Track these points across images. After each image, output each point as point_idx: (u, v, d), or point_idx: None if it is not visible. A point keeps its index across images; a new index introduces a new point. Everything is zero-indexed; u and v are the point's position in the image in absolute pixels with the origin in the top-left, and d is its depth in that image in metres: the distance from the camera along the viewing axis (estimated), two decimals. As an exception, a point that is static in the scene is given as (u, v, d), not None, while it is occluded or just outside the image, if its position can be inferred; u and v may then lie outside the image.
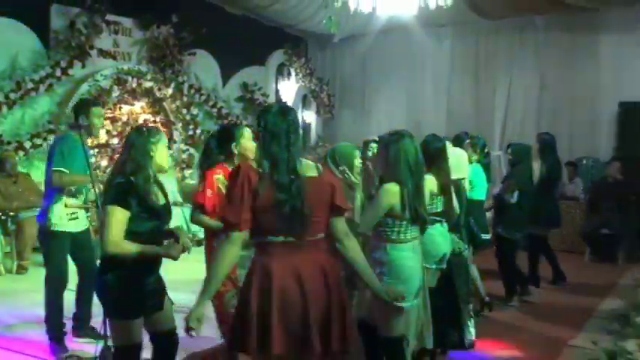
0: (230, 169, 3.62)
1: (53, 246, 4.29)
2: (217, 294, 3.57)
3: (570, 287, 6.61)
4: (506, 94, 10.37)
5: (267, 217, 2.51)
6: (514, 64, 10.27)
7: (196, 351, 4.06)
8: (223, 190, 3.46)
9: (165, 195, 3.21)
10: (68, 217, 4.21)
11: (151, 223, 3.02)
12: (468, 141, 5.76)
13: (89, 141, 5.39)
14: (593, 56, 9.57)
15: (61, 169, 4.12)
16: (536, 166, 6.32)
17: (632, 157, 8.32)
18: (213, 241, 3.66)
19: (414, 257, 3.45)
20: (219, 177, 3.67)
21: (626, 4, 8.96)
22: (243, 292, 2.60)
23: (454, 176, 4.72)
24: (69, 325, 4.40)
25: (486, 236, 5.54)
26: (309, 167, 2.67)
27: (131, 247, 2.91)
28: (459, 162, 4.98)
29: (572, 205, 8.44)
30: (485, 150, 5.86)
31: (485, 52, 10.59)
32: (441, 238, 4.29)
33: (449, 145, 5.20)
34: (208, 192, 3.64)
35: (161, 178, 3.29)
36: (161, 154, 3.10)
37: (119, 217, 2.88)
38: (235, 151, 3.77)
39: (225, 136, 3.86)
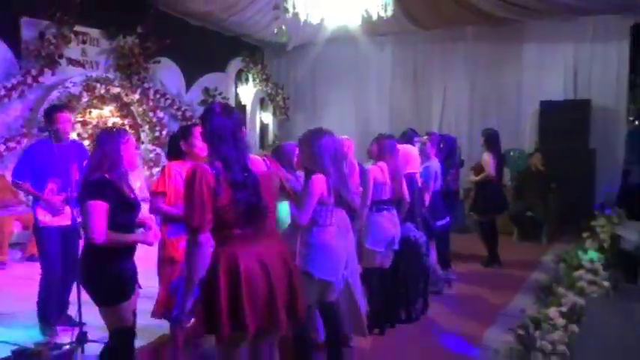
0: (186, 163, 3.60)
1: (42, 241, 4.24)
2: (165, 281, 3.57)
3: (501, 262, 6.79)
4: (442, 95, 10.55)
5: (228, 214, 2.47)
6: (447, 69, 10.46)
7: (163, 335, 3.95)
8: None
9: (132, 190, 3.19)
10: (50, 213, 4.17)
11: (126, 215, 3.02)
12: (425, 137, 5.76)
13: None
14: (517, 62, 9.86)
15: (17, 180, 4.23)
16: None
17: (551, 149, 8.58)
18: (167, 228, 3.64)
19: (338, 238, 3.53)
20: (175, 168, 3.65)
21: (545, 18, 9.25)
22: (209, 280, 2.49)
23: (407, 170, 4.80)
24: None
25: (441, 222, 5.59)
26: (258, 163, 2.67)
27: (116, 237, 2.91)
28: (410, 157, 5.04)
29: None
30: (441, 145, 5.90)
31: (422, 59, 10.74)
32: (389, 223, 4.39)
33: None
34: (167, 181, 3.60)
35: (132, 175, 3.27)
36: (130, 153, 3.08)
37: (99, 210, 2.86)
38: (184, 149, 3.67)
39: (180, 135, 3.79)
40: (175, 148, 3.75)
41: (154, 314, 3.66)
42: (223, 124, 2.54)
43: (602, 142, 9.01)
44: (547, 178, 8.17)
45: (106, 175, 2.95)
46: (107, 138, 3.06)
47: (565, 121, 8.72)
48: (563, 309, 3.94)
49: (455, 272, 6.07)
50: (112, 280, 2.95)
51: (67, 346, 3.65)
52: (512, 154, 9.57)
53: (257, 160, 2.70)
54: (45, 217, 4.19)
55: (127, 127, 8.58)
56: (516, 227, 8.30)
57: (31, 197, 4.37)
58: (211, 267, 2.50)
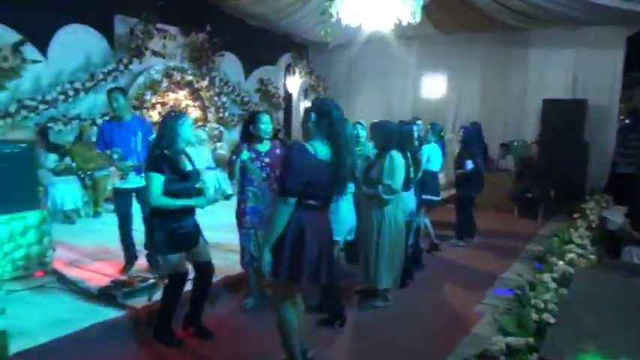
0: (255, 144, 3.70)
1: (115, 199, 4.37)
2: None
3: (502, 235, 6.78)
4: (458, 91, 10.41)
5: (311, 187, 2.47)
6: (463, 68, 10.27)
7: (229, 274, 4.19)
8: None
9: (192, 162, 3.25)
10: (119, 177, 4.25)
11: (181, 184, 3.09)
12: (428, 126, 5.81)
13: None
14: (523, 64, 9.63)
15: (97, 150, 4.33)
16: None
17: (551, 140, 8.43)
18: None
19: (349, 206, 3.72)
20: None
21: (550, 27, 8.99)
22: (298, 236, 2.50)
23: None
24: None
25: (437, 198, 5.59)
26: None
27: (168, 201, 3.01)
28: None
29: (505, 176, 8.59)
30: (442, 133, 5.96)
31: (442, 58, 10.54)
32: (410, 198, 4.43)
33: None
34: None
35: (198, 149, 3.35)
36: (187, 132, 3.11)
37: (156, 180, 2.97)
38: (253, 132, 3.72)
39: (248, 121, 3.83)
40: (245, 132, 3.83)
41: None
42: (340, 115, 2.54)
43: (595, 136, 8.79)
44: (542, 165, 8.03)
45: (165, 152, 3.03)
46: (165, 120, 3.12)
47: (564, 117, 8.50)
48: (555, 275, 3.98)
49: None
50: (167, 234, 3.06)
51: (152, 280, 3.85)
52: (515, 143, 9.45)
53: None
54: (116, 181, 4.28)
55: (197, 109, 8.75)
56: (517, 206, 8.21)
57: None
58: (296, 227, 2.50)
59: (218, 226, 4.61)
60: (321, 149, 2.49)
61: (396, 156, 3.76)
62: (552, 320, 3.06)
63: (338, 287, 3.67)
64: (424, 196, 5.30)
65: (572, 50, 9.12)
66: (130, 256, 4.34)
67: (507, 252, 5.90)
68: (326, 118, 2.51)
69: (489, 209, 7.30)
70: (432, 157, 5.54)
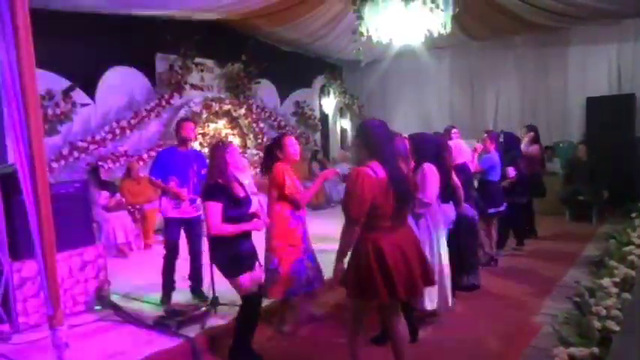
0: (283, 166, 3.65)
1: (165, 228, 4.41)
2: (284, 261, 3.67)
3: (555, 240, 6.50)
4: (495, 96, 10.21)
5: (381, 209, 2.53)
6: (499, 73, 10.09)
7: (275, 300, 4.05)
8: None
9: (244, 188, 3.32)
10: (172, 206, 4.29)
11: (237, 210, 3.15)
12: (485, 135, 5.63)
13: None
14: (562, 64, 9.40)
15: (150, 176, 4.34)
16: None
17: (598, 139, 8.10)
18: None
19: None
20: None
21: (586, 24, 8.73)
22: (360, 260, 2.58)
23: (458, 161, 4.70)
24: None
25: (502, 208, 5.41)
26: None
27: (227, 228, 3.07)
28: (459, 150, 4.95)
29: (553, 179, 8.27)
30: (500, 140, 5.71)
31: (476, 66, 10.42)
32: (450, 209, 4.29)
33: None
34: (288, 181, 3.61)
35: (242, 175, 3.42)
36: (234, 159, 3.21)
37: (214, 209, 3.04)
38: (280, 156, 3.66)
39: (275, 146, 3.75)
40: (271, 157, 3.73)
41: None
42: (382, 132, 2.63)
43: (647, 131, 8.39)
44: (592, 166, 7.70)
45: (219, 180, 3.11)
46: (214, 151, 3.22)
47: (611, 113, 8.19)
48: (616, 279, 3.77)
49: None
50: (232, 259, 3.13)
51: (204, 308, 3.91)
52: (561, 145, 9.14)
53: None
54: (167, 210, 4.29)
55: (236, 136, 8.95)
56: (567, 209, 7.90)
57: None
58: (361, 250, 2.58)
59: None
60: (379, 169, 2.54)
61: (428, 168, 3.70)
62: (617, 328, 2.89)
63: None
64: (490, 211, 5.22)
65: (614, 45, 8.83)
66: (169, 288, 4.37)
67: (562, 257, 5.66)
68: (370, 138, 2.60)
69: (538, 214, 7.02)
70: (493, 166, 5.39)
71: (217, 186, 3.11)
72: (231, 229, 3.09)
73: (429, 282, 2.75)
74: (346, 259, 2.68)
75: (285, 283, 3.66)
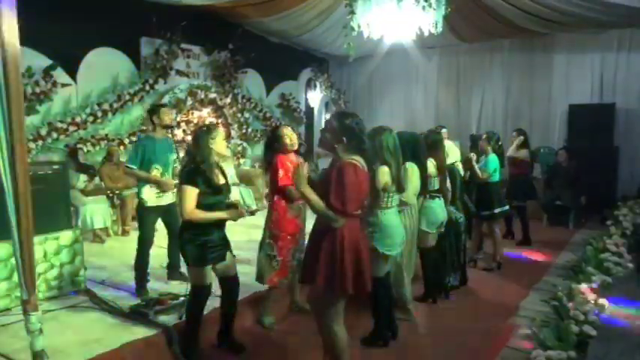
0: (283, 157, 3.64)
1: (142, 217, 4.27)
2: (283, 248, 3.64)
3: (533, 244, 6.58)
4: (480, 99, 10.30)
5: (361, 197, 2.62)
6: (486, 76, 10.18)
7: (257, 291, 4.07)
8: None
9: (225, 176, 3.28)
10: (155, 195, 4.22)
11: (214, 198, 3.10)
12: (484, 136, 5.60)
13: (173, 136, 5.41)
14: (547, 70, 9.49)
15: (128, 165, 4.19)
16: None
17: (581, 146, 8.22)
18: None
19: (397, 219, 3.44)
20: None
21: (572, 31, 8.84)
22: (335, 248, 2.55)
23: (448, 161, 4.72)
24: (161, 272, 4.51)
25: (506, 207, 5.51)
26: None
27: (200, 214, 3.01)
28: (450, 150, 4.99)
29: (534, 184, 8.33)
30: (499, 142, 5.67)
31: (463, 67, 10.50)
32: (439, 209, 4.28)
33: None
34: (281, 172, 3.59)
35: (222, 164, 3.35)
36: (220, 145, 3.15)
37: (190, 193, 2.99)
38: (278, 147, 3.64)
39: (273, 138, 3.76)
40: (270, 151, 3.73)
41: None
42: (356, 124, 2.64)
43: (626, 140, 8.56)
44: (572, 172, 7.83)
45: (201, 166, 3.05)
46: (199, 135, 3.15)
47: (592, 121, 8.33)
48: (594, 285, 3.84)
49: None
50: (196, 248, 3.07)
51: (183, 297, 3.79)
52: (542, 150, 9.24)
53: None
54: (148, 198, 4.19)
55: (220, 126, 8.84)
56: (546, 214, 8.02)
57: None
58: (337, 239, 2.54)
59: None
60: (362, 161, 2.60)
61: (407, 167, 3.69)
62: (593, 332, 2.94)
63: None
64: (496, 210, 5.32)
65: (598, 54, 8.97)
66: (144, 279, 4.26)
67: (539, 262, 5.72)
68: (351, 131, 2.61)
69: (515, 219, 7.08)
70: (493, 168, 5.39)
71: (197, 170, 3.05)
72: (203, 215, 3.04)
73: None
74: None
75: (281, 273, 3.68)
